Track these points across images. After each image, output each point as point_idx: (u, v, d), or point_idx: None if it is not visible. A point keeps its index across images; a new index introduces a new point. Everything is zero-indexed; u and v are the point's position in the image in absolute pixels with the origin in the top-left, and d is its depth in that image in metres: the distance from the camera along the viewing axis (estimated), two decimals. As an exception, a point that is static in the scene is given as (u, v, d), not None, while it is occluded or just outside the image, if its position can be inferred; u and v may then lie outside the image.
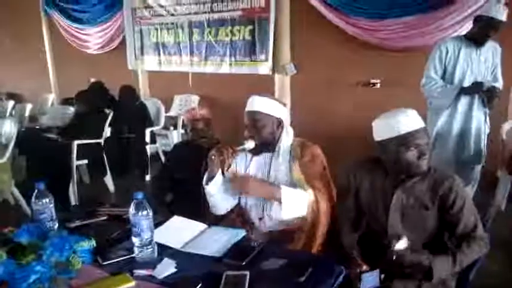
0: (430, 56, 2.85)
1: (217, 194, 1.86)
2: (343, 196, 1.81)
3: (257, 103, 1.79)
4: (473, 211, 1.50)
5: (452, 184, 1.47)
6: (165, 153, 5.08)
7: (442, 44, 2.84)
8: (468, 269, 1.52)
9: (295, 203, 1.72)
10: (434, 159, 2.92)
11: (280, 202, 1.71)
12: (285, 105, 1.92)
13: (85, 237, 1.37)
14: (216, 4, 4.88)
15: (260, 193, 1.79)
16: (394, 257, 1.38)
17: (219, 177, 1.84)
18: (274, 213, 1.79)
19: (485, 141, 2.93)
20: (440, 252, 1.46)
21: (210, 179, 1.83)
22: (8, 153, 3.45)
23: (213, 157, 1.77)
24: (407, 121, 1.47)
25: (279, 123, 1.82)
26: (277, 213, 1.76)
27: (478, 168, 2.95)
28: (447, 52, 2.79)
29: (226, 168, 1.94)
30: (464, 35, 2.88)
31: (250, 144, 1.79)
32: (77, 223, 1.72)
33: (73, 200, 3.89)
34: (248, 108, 1.82)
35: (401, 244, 1.39)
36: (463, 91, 2.75)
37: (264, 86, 4.71)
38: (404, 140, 1.46)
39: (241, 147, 1.78)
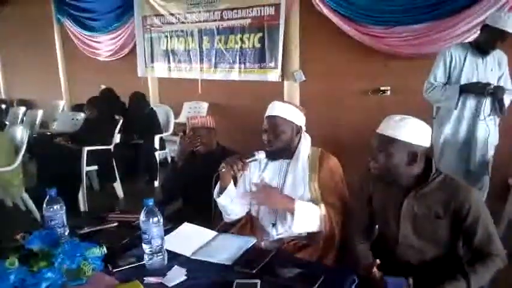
0: (435, 62, 2.84)
1: (230, 204, 1.86)
2: (356, 204, 1.80)
3: (278, 108, 1.80)
4: (490, 225, 1.44)
5: (468, 195, 1.44)
6: (173, 159, 5.11)
7: (447, 50, 2.81)
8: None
9: (308, 217, 1.70)
10: (442, 169, 2.91)
11: (292, 214, 1.70)
12: (304, 112, 1.91)
13: (96, 244, 1.37)
14: (226, 12, 4.91)
15: (277, 204, 1.77)
16: None
17: (231, 188, 1.84)
18: (288, 220, 1.77)
19: (493, 152, 2.88)
20: (455, 267, 1.43)
21: (222, 190, 1.83)
22: (19, 159, 3.49)
23: (223, 170, 1.76)
24: (393, 127, 1.47)
25: (298, 130, 1.82)
26: (290, 222, 1.74)
27: (486, 177, 2.91)
28: (451, 59, 2.77)
29: (239, 175, 1.94)
30: (470, 43, 2.85)
31: (261, 155, 1.79)
32: (88, 229, 1.73)
33: (82, 206, 3.92)
34: (268, 112, 1.82)
35: None
36: (464, 89, 2.70)
37: (273, 93, 4.71)
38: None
39: (251, 159, 1.78)
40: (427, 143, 1.49)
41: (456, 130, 2.84)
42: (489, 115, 2.78)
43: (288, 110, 1.80)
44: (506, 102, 2.77)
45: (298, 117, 1.82)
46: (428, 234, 1.51)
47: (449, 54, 2.77)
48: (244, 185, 1.94)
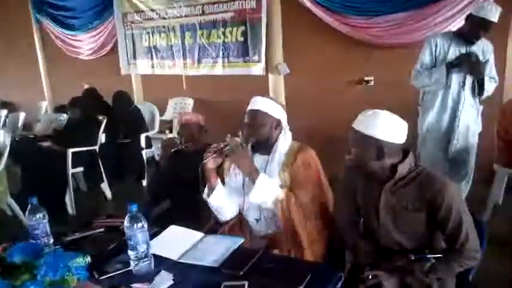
0: (422, 49, 2.85)
1: (221, 204, 1.87)
2: (341, 198, 1.82)
3: (258, 102, 1.83)
4: (465, 219, 1.44)
5: (441, 187, 1.44)
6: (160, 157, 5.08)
7: (432, 38, 2.83)
8: (467, 270, 1.51)
9: (265, 192, 1.73)
10: (425, 156, 2.95)
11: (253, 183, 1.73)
12: (284, 108, 1.92)
13: (80, 253, 1.36)
14: (207, 6, 4.85)
15: (245, 168, 1.78)
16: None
17: (219, 188, 1.85)
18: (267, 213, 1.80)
19: (476, 139, 2.92)
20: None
21: (211, 191, 1.84)
22: (2, 164, 3.42)
23: (208, 158, 1.78)
24: (363, 122, 1.50)
25: (277, 124, 1.83)
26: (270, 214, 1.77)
27: (471, 164, 2.95)
28: (436, 46, 2.79)
29: (226, 173, 1.94)
30: (454, 32, 2.87)
31: (236, 139, 1.81)
32: (73, 236, 1.71)
33: (70, 208, 3.88)
34: (249, 107, 1.85)
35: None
36: (450, 66, 2.71)
37: (258, 86, 4.69)
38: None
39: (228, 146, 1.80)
40: (397, 139, 1.49)
41: (440, 118, 2.87)
42: (470, 95, 2.81)
43: (268, 104, 1.83)
44: (488, 86, 2.80)
45: (278, 112, 1.84)
46: (407, 227, 1.53)
47: (435, 41, 2.79)
48: (233, 182, 1.93)
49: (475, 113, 2.87)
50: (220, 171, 1.95)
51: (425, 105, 2.91)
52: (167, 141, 2.47)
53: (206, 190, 1.87)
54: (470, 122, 2.86)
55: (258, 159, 1.86)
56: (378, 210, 1.56)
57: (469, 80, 2.77)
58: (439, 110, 2.85)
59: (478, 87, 2.79)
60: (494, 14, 2.58)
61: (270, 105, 1.83)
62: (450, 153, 2.89)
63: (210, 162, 1.81)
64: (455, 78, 2.76)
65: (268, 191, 1.73)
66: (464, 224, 1.43)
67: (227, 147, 1.78)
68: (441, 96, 2.82)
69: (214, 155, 1.79)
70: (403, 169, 1.51)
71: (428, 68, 2.81)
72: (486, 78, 2.76)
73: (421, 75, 2.82)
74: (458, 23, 3.43)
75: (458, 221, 1.43)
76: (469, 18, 2.69)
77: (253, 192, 1.73)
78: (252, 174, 1.75)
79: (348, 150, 1.55)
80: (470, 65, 2.68)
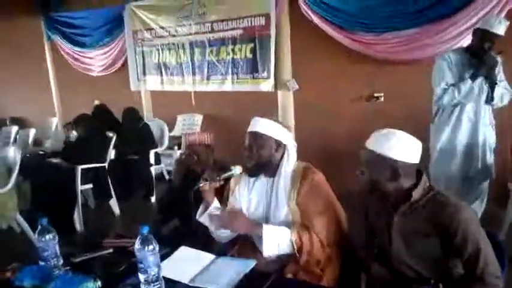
0: (435, 70, 2.82)
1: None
2: (354, 220, 1.78)
3: (258, 124, 1.78)
4: (483, 243, 1.37)
5: (456, 213, 1.38)
6: (169, 173, 5.07)
7: (446, 54, 2.82)
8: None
9: (276, 242, 1.67)
10: (438, 175, 2.90)
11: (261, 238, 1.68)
12: (289, 128, 1.88)
13: (90, 276, 1.33)
14: (216, 24, 4.91)
15: (241, 229, 1.76)
16: None
17: (215, 208, 1.83)
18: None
19: (493, 155, 2.87)
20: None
21: (204, 210, 1.82)
22: (12, 181, 3.43)
23: (201, 185, 1.76)
24: (377, 141, 1.46)
25: (278, 145, 1.78)
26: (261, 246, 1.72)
27: (486, 182, 2.90)
28: (451, 62, 2.78)
29: (229, 194, 1.92)
30: (464, 48, 2.88)
31: (237, 170, 1.79)
32: (82, 257, 1.68)
33: (78, 225, 3.86)
34: (249, 129, 1.80)
35: None
36: (474, 75, 2.69)
37: (266, 103, 4.70)
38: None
39: (227, 173, 1.79)
40: (412, 160, 1.45)
41: (455, 136, 2.82)
42: (487, 110, 2.78)
43: (267, 126, 1.77)
44: (504, 97, 2.78)
45: (279, 133, 1.78)
46: (420, 252, 1.47)
47: (449, 57, 2.78)
48: (236, 203, 1.90)
49: (491, 128, 2.83)
50: (224, 191, 1.92)
51: (439, 123, 2.88)
52: (182, 158, 2.45)
53: (200, 210, 1.84)
54: (488, 139, 2.82)
55: (262, 182, 1.82)
56: (390, 233, 1.52)
57: (484, 93, 2.73)
58: (454, 128, 2.81)
59: (491, 92, 2.74)
60: (498, 26, 2.58)
61: (270, 126, 1.77)
62: (469, 172, 2.83)
63: (206, 186, 1.78)
64: (476, 91, 2.73)
65: (279, 239, 1.67)
66: (482, 249, 1.37)
67: (225, 175, 1.76)
68: (456, 114, 2.79)
69: (207, 183, 1.76)
70: (416, 193, 1.46)
71: (453, 83, 2.77)
72: (498, 85, 2.73)
73: (449, 93, 2.75)
74: (468, 40, 3.42)
75: (476, 246, 1.37)
76: (475, 31, 2.70)
77: (265, 248, 1.66)
78: (255, 231, 1.70)
79: (361, 171, 1.50)
80: (489, 64, 2.65)
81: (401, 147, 1.43)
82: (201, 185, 1.77)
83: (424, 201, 1.46)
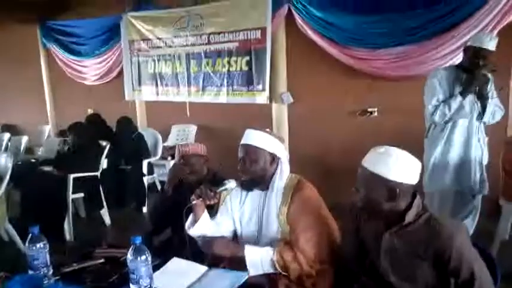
0: (426, 87, 2.86)
1: (205, 235, 1.83)
2: (345, 233, 1.77)
3: (251, 136, 1.75)
4: (476, 265, 1.36)
5: (449, 240, 1.35)
6: (162, 183, 5.04)
7: (437, 72, 2.85)
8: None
9: (259, 263, 1.67)
10: (432, 190, 2.91)
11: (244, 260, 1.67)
12: (281, 140, 1.86)
13: (81, 287, 1.31)
14: (213, 36, 4.94)
15: (225, 253, 1.75)
16: None
17: (205, 220, 1.82)
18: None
19: (485, 171, 2.90)
20: None
21: (193, 223, 1.81)
22: (2, 188, 3.39)
23: (194, 202, 1.75)
24: (374, 160, 1.44)
25: (273, 158, 1.76)
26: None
27: (479, 198, 2.92)
28: (442, 78, 2.80)
29: (219, 204, 1.90)
30: (456, 65, 2.92)
31: (231, 184, 1.78)
32: (73, 267, 1.66)
33: (68, 234, 3.81)
34: (242, 141, 1.78)
35: None
36: (463, 91, 2.71)
37: (261, 115, 4.72)
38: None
39: (221, 188, 1.77)
40: (410, 180, 1.41)
41: (447, 150, 2.84)
42: (479, 126, 2.81)
43: (261, 138, 1.74)
44: (496, 114, 2.82)
45: (272, 146, 1.76)
46: (406, 273, 1.45)
47: (440, 74, 2.81)
48: (227, 215, 1.89)
49: (483, 145, 2.86)
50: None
51: (432, 138, 2.90)
52: (175, 167, 2.43)
53: (188, 221, 1.83)
54: (480, 155, 2.84)
55: (255, 195, 1.81)
56: (379, 250, 1.50)
57: (476, 110, 2.77)
58: (446, 143, 2.84)
59: (482, 109, 2.77)
60: (489, 42, 2.62)
61: (263, 139, 1.74)
62: (462, 187, 2.85)
63: (199, 202, 1.77)
64: (467, 108, 2.76)
65: (261, 260, 1.67)
66: (476, 272, 1.36)
67: (219, 190, 1.75)
68: (449, 129, 2.82)
69: (200, 199, 1.75)
70: (410, 215, 1.44)
71: (444, 100, 2.79)
72: (490, 103, 2.76)
73: (440, 109, 2.77)
74: (461, 57, 3.49)
75: (470, 270, 1.36)
76: (467, 48, 2.74)
77: (248, 268, 1.65)
78: (237, 253, 1.70)
79: (356, 189, 1.48)
80: (480, 81, 2.67)
81: (399, 167, 1.39)
82: (193, 202, 1.75)
83: (417, 225, 1.43)
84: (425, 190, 2.92)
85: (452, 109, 2.73)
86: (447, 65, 3.46)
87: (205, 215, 1.83)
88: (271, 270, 1.67)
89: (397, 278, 1.47)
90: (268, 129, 1.86)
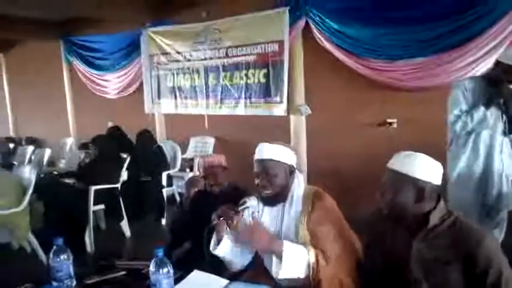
0: (450, 97, 2.82)
1: (229, 255, 1.80)
2: (367, 247, 1.74)
3: (267, 151, 1.72)
4: (505, 271, 1.35)
5: (479, 241, 1.35)
6: (180, 195, 5.07)
7: (460, 83, 2.82)
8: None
9: (296, 263, 1.58)
10: (456, 203, 2.84)
11: (279, 258, 1.59)
12: (295, 151, 1.86)
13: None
14: (230, 49, 5.01)
15: (260, 245, 1.65)
16: None
17: (226, 242, 1.78)
18: (273, 265, 1.64)
19: (510, 185, 2.82)
20: None
21: (218, 242, 1.77)
22: (26, 200, 3.47)
23: (215, 221, 1.70)
24: (400, 161, 1.48)
25: (291, 170, 1.75)
26: (275, 266, 1.62)
27: (505, 211, 2.84)
28: (466, 89, 2.77)
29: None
30: (481, 76, 2.87)
31: (252, 201, 1.77)
32: (95, 279, 1.68)
33: (89, 246, 3.86)
34: (257, 156, 1.74)
35: None
36: (487, 103, 2.66)
37: (279, 127, 4.73)
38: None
39: (243, 206, 1.75)
40: (436, 180, 1.45)
41: (471, 163, 2.79)
42: (503, 138, 2.74)
43: (277, 151, 1.72)
44: None
45: (288, 157, 1.74)
46: (440, 281, 1.42)
47: (464, 84, 2.78)
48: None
49: (507, 156, 2.79)
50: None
51: (455, 150, 2.85)
52: (192, 180, 2.46)
53: (213, 241, 1.80)
54: (504, 168, 2.77)
55: (273, 208, 1.79)
56: (407, 262, 1.47)
57: (501, 123, 2.72)
58: (470, 155, 2.78)
59: (509, 124, 2.72)
60: None
61: (280, 152, 1.72)
62: (486, 200, 2.78)
63: (220, 223, 1.71)
64: (490, 120, 2.71)
65: (297, 259, 1.58)
66: (504, 274, 1.35)
67: (241, 208, 1.72)
68: (472, 141, 2.77)
69: (222, 219, 1.69)
70: (434, 217, 1.44)
71: (467, 110, 2.75)
72: None
73: (462, 120, 2.73)
74: (481, 68, 3.44)
75: (498, 274, 1.34)
76: (497, 64, 2.70)
77: (283, 269, 1.56)
78: (274, 249, 1.59)
79: (382, 192, 1.49)
80: (506, 94, 2.63)
81: (425, 167, 1.44)
82: (215, 222, 1.71)
83: (445, 227, 1.43)
84: (449, 201, 2.86)
85: (474, 120, 2.69)
86: (467, 76, 3.41)
87: (226, 237, 1.77)
88: (301, 275, 1.60)
89: (429, 286, 1.44)
90: (280, 142, 1.82)
